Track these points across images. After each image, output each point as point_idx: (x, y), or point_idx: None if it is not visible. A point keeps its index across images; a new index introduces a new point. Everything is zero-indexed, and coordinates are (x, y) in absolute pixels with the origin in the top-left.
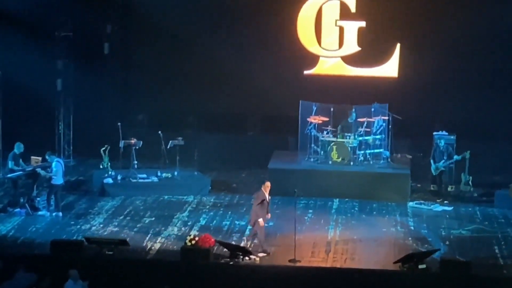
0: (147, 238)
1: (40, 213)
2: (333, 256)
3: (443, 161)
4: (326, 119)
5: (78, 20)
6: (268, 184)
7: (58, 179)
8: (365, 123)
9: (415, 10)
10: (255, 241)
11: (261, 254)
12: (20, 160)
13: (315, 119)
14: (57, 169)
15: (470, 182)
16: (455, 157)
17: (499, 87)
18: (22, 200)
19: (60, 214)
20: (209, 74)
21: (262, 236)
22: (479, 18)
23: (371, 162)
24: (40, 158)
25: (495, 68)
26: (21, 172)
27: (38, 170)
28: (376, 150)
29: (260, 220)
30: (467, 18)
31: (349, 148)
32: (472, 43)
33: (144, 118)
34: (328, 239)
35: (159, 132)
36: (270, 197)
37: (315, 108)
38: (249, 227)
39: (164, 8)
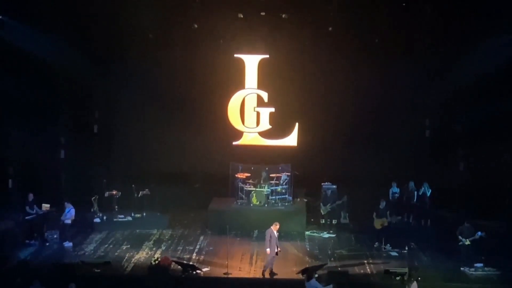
0: (125, 259)
1: (66, 244)
2: (254, 269)
3: (329, 204)
4: (248, 175)
5: (75, 108)
6: (277, 224)
7: (69, 220)
8: (275, 177)
9: (308, 100)
10: (265, 263)
11: (205, 269)
12: (35, 206)
13: (241, 175)
14: (72, 214)
15: (347, 217)
16: (337, 202)
17: (368, 148)
18: (35, 234)
19: (71, 244)
20: (163, 144)
21: (268, 262)
22: (354, 99)
23: (279, 204)
24: (49, 205)
25: (364, 135)
26: (35, 215)
27: (65, 218)
28: (282, 196)
29: (268, 250)
30: (345, 102)
31: (265, 195)
32: (345, 117)
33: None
34: (251, 257)
35: (133, 185)
36: (277, 234)
37: (241, 167)
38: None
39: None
